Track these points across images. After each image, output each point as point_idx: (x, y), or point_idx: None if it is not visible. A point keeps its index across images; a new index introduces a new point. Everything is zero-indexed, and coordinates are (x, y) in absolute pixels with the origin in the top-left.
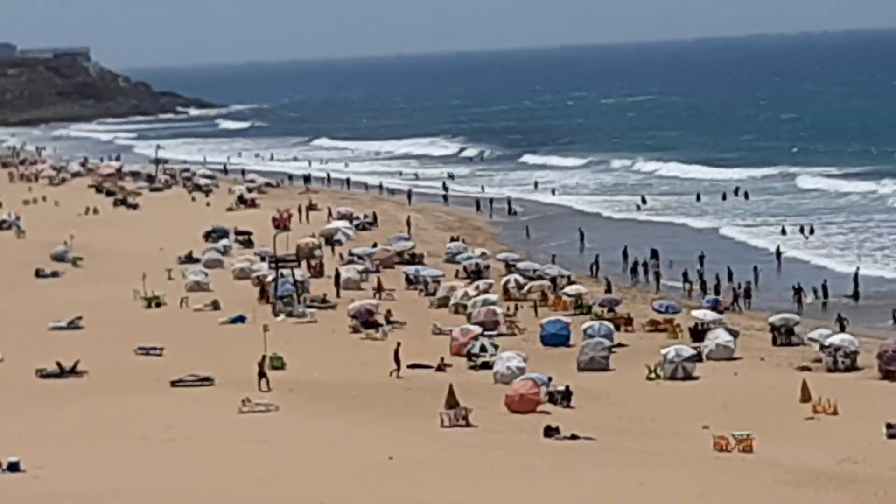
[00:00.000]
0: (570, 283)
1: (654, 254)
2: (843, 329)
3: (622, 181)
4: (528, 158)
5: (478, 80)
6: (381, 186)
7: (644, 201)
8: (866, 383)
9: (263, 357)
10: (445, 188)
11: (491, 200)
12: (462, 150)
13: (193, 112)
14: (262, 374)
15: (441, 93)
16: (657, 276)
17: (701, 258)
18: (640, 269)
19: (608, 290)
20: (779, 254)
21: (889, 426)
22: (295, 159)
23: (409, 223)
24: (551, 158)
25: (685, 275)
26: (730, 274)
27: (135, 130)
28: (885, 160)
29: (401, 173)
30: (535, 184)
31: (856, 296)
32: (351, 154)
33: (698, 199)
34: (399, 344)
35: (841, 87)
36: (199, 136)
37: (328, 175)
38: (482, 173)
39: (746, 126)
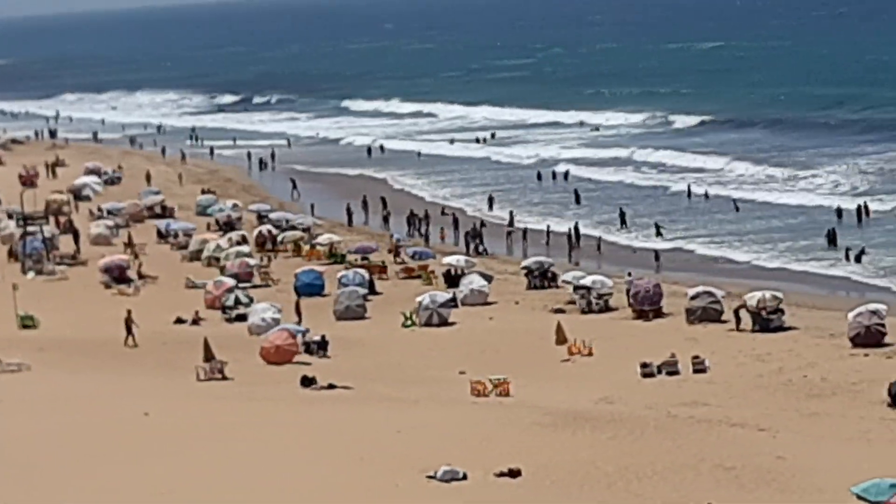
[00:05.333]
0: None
1: (383, 202)
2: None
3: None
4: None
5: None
6: (132, 140)
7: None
8: (620, 324)
9: (129, 312)
10: (193, 137)
11: (249, 154)
12: (214, 100)
13: None
14: (129, 331)
15: (196, 44)
16: (385, 219)
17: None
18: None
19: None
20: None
21: (643, 365)
22: (65, 117)
23: (148, 177)
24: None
25: (423, 219)
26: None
27: None
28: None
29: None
30: (289, 141)
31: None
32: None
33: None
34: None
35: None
36: None
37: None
38: (239, 124)
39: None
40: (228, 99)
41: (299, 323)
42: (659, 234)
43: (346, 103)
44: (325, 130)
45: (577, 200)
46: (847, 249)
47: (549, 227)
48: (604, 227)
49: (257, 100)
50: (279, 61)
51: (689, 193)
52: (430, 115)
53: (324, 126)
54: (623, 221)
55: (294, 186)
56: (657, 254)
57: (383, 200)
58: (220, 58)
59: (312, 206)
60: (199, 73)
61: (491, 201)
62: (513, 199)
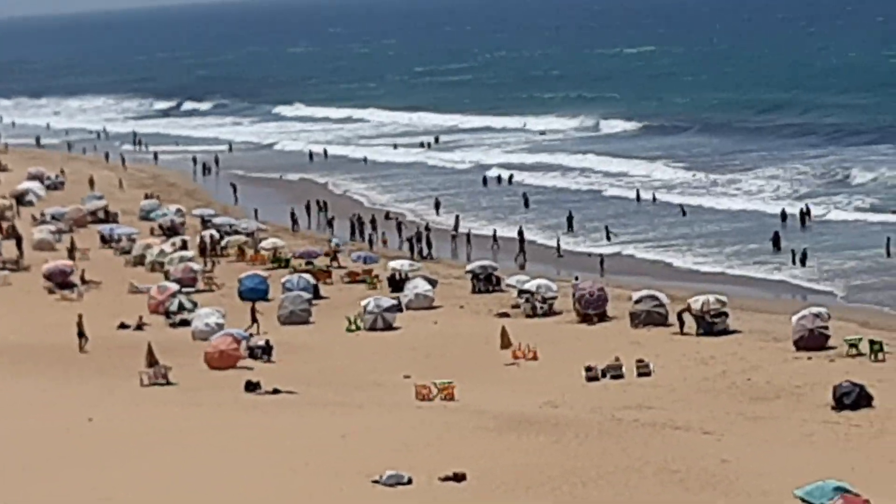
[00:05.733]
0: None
1: (322, 206)
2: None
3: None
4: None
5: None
6: (69, 146)
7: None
8: (565, 327)
9: (80, 317)
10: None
11: (194, 159)
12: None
13: None
14: (81, 335)
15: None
16: (330, 223)
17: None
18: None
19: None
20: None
21: (588, 369)
22: (8, 123)
23: (91, 182)
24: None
25: (367, 223)
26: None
27: None
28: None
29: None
30: (230, 146)
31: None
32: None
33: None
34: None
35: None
36: None
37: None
38: (182, 129)
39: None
40: (165, 104)
41: (257, 328)
42: (609, 237)
43: (286, 108)
44: (268, 136)
45: (526, 204)
46: (793, 252)
47: (495, 231)
48: (551, 231)
49: (197, 105)
50: (220, 65)
51: (638, 198)
52: (368, 120)
53: (266, 131)
54: (570, 225)
55: (234, 191)
56: (602, 259)
57: (323, 204)
58: (163, 62)
59: (256, 211)
60: (140, 78)
61: (438, 205)
62: (460, 203)
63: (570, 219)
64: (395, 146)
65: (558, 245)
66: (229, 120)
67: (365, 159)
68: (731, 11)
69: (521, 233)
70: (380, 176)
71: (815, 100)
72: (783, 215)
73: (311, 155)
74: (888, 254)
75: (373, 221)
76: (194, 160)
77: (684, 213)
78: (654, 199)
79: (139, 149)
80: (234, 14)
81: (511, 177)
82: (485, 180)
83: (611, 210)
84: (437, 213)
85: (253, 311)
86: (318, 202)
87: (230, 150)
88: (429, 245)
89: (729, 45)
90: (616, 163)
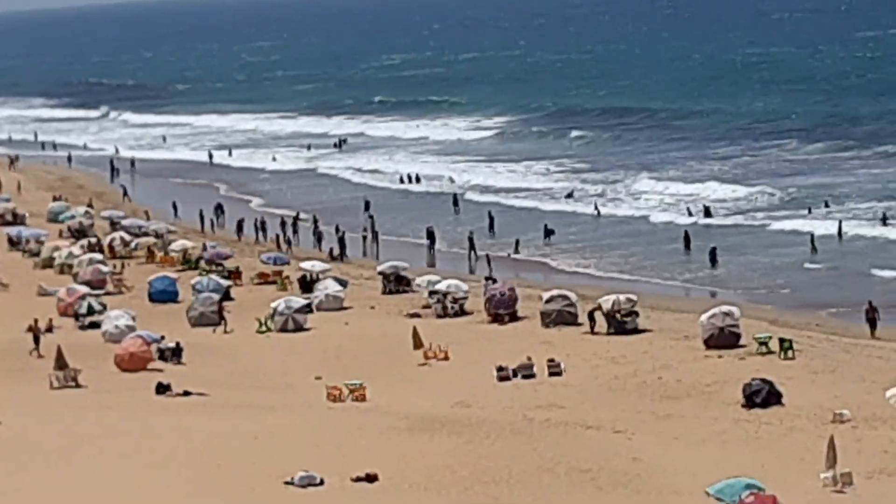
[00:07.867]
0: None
1: (221, 208)
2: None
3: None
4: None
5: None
6: None
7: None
8: (476, 327)
9: (36, 321)
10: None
11: (111, 161)
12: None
13: None
14: (36, 340)
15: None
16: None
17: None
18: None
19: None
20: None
21: (499, 369)
22: None
23: None
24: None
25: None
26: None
27: None
28: None
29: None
30: (116, 149)
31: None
32: None
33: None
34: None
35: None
36: None
37: None
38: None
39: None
40: (15, 112)
41: (224, 326)
42: (546, 236)
43: (185, 114)
44: (170, 139)
45: (455, 203)
46: (713, 251)
47: (430, 229)
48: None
49: (53, 112)
50: (84, 70)
51: (571, 194)
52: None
53: (168, 133)
54: (491, 226)
55: (125, 193)
56: (488, 257)
57: (219, 207)
58: (31, 66)
59: (147, 213)
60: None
61: (367, 205)
62: (381, 205)
63: (491, 220)
64: (309, 147)
65: (517, 245)
66: (119, 121)
67: (273, 158)
68: (633, 12)
69: (431, 233)
70: (287, 178)
71: (691, 104)
72: (689, 213)
73: (210, 156)
74: (814, 250)
75: (294, 223)
76: (111, 163)
77: (598, 213)
78: (571, 195)
79: (47, 151)
80: (135, 15)
81: (418, 177)
82: (401, 180)
83: (525, 213)
84: (367, 210)
85: (220, 308)
86: (219, 205)
87: (116, 151)
88: (342, 246)
89: (630, 46)
90: (507, 170)
